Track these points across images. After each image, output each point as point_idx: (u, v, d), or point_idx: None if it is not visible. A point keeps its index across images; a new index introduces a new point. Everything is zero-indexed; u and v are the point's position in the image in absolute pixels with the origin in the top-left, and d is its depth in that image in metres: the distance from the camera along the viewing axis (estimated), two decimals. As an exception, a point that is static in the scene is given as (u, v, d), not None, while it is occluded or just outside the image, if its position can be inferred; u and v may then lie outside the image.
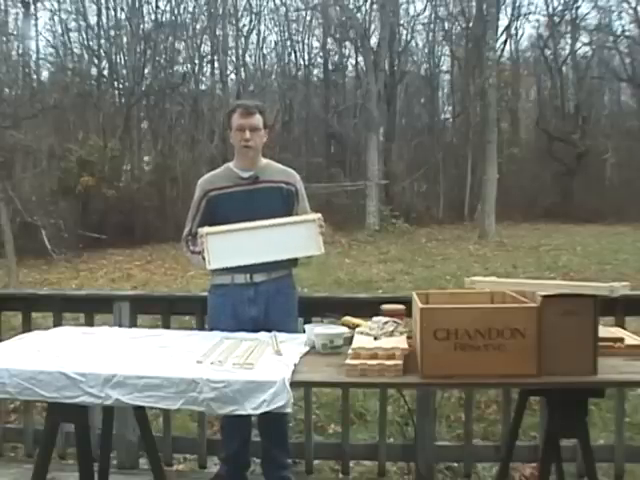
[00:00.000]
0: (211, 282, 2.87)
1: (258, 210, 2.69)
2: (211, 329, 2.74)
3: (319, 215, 2.61)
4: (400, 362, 1.98)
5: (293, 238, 2.56)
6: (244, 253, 2.54)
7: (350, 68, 24.28)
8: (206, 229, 2.54)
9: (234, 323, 2.67)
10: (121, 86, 20.82)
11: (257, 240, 2.54)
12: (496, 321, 1.92)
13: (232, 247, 2.54)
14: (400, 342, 2.10)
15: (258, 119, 2.76)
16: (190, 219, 2.86)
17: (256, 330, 2.55)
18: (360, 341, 2.12)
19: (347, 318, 2.49)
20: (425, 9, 23.11)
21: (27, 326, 3.19)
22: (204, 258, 2.54)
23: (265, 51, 23.70)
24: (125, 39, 20.58)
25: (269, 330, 2.50)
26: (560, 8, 23.79)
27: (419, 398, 3.02)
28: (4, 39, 17.25)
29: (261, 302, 2.76)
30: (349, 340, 2.21)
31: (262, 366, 2.04)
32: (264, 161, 2.87)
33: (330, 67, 23.88)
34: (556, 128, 23.51)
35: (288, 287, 2.87)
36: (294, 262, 2.87)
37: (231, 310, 2.75)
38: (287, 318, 2.79)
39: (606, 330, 2.30)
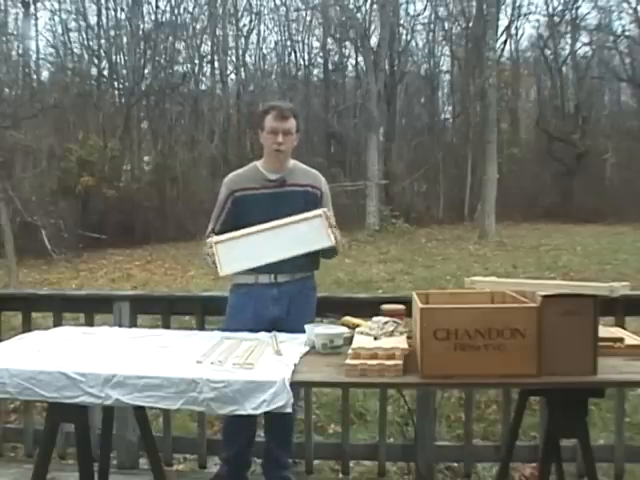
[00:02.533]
0: (233, 281, 2.85)
1: (281, 213, 2.65)
2: (227, 328, 2.72)
3: (324, 209, 2.61)
4: (400, 362, 1.98)
5: (300, 235, 2.56)
6: (253, 256, 2.55)
7: (350, 68, 24.33)
8: (215, 239, 2.56)
9: (254, 323, 2.65)
10: (121, 86, 20.83)
11: (265, 242, 2.55)
12: (496, 321, 1.92)
13: (241, 252, 2.56)
14: (400, 342, 2.10)
15: (292, 123, 2.75)
16: (214, 218, 2.85)
17: (275, 329, 2.52)
18: (360, 341, 2.12)
19: (347, 318, 2.49)
20: (425, 9, 23.13)
21: (27, 326, 3.19)
22: (215, 265, 2.57)
23: (265, 51, 23.74)
24: (125, 39, 20.59)
25: (288, 330, 2.49)
26: (560, 8, 23.84)
27: (419, 398, 3.02)
28: (4, 39, 17.25)
29: (284, 302, 2.76)
30: (349, 340, 2.21)
31: (262, 366, 2.04)
32: (291, 162, 2.85)
33: (330, 67, 23.89)
34: (556, 128, 23.51)
35: (309, 288, 2.88)
36: (316, 264, 2.87)
37: (252, 310, 2.75)
38: (307, 319, 2.78)
39: (606, 330, 2.29)
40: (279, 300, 2.75)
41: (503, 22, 22.31)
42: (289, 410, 1.92)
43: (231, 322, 2.80)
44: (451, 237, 16.76)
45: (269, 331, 2.50)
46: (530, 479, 3.06)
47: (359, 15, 21.58)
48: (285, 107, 2.77)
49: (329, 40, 23.32)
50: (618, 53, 23.67)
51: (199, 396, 1.94)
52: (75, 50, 21.06)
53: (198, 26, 21.12)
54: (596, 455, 2.25)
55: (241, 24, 22.34)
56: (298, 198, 2.76)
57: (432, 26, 23.62)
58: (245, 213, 2.73)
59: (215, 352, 2.19)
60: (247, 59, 22.85)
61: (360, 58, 22.35)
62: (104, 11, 20.54)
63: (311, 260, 2.80)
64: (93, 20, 20.49)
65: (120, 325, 3.08)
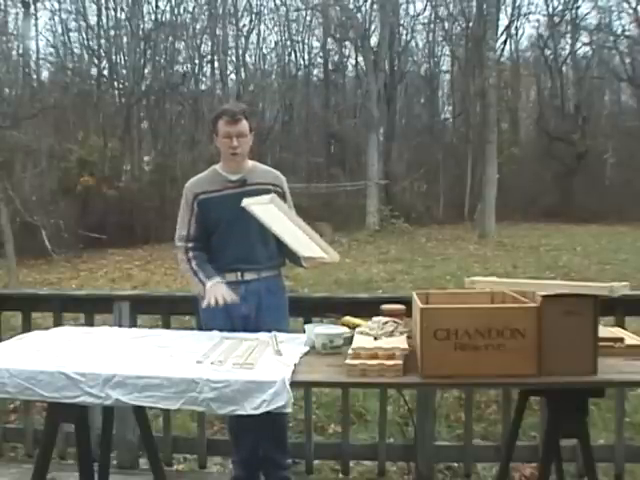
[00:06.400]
0: None
1: (248, 213, 2.70)
2: (208, 329, 2.73)
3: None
4: (400, 362, 1.98)
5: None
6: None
7: (350, 68, 24.39)
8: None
9: (229, 322, 2.68)
10: (121, 86, 20.84)
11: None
12: (496, 321, 1.92)
13: None
14: (400, 342, 2.10)
15: (244, 125, 2.75)
16: (185, 223, 2.84)
17: (247, 329, 2.56)
18: (360, 341, 2.12)
19: (347, 318, 2.49)
20: (425, 9, 23.21)
21: (27, 326, 3.19)
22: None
23: (265, 51, 23.79)
24: (125, 39, 20.62)
25: (260, 329, 2.52)
26: (560, 8, 23.91)
27: (419, 398, 3.02)
28: (4, 39, 17.24)
29: (252, 301, 2.76)
30: (349, 340, 2.21)
31: (262, 366, 2.04)
32: (250, 163, 2.88)
33: (330, 67, 23.91)
34: (556, 128, 23.54)
35: (277, 287, 2.88)
36: (282, 262, 2.88)
37: (224, 309, 2.75)
38: (278, 318, 2.80)
39: (606, 330, 2.30)
40: (246, 299, 2.75)
41: (503, 22, 22.43)
42: (289, 410, 1.92)
43: (208, 324, 2.78)
44: (451, 237, 16.76)
45: (242, 331, 2.53)
46: (530, 479, 3.06)
47: (359, 15, 21.63)
48: (236, 110, 2.76)
49: (329, 40, 23.37)
50: (618, 53, 23.69)
51: (199, 396, 1.94)
52: (75, 50, 21.16)
53: (198, 26, 21.17)
54: (596, 455, 2.25)
55: (241, 24, 22.42)
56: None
57: (432, 26, 23.71)
58: (212, 215, 2.76)
59: (215, 352, 2.19)
60: (247, 59, 22.94)
61: (360, 58, 22.39)
62: (104, 11, 20.61)
63: (277, 258, 2.83)
64: (93, 20, 20.58)
65: (120, 325, 3.07)
